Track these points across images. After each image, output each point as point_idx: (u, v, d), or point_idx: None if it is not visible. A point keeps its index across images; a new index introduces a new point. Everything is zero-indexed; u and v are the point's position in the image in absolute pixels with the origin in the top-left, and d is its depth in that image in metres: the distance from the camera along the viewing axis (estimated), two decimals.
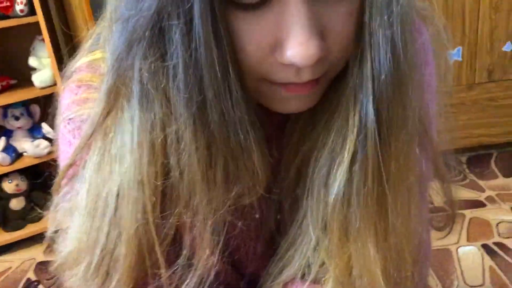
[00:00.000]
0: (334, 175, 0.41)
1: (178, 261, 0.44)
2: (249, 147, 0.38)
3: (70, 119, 0.48)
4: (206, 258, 0.43)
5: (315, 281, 0.44)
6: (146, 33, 0.36)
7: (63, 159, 0.49)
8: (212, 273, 0.44)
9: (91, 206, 0.43)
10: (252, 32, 0.35)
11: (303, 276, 0.44)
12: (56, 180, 0.47)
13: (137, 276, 0.44)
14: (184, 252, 0.43)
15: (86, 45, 0.51)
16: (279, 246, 0.47)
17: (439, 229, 0.58)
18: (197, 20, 0.34)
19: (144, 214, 0.41)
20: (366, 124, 0.38)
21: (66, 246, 0.45)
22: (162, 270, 0.44)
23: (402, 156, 0.40)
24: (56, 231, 0.49)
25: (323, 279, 0.44)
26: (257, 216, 0.46)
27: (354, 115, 0.39)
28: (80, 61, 0.50)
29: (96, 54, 0.49)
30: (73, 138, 0.48)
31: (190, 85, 0.36)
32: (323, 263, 0.44)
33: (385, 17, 0.35)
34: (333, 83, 0.41)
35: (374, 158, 0.39)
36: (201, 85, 0.35)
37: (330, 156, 0.41)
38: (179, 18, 0.34)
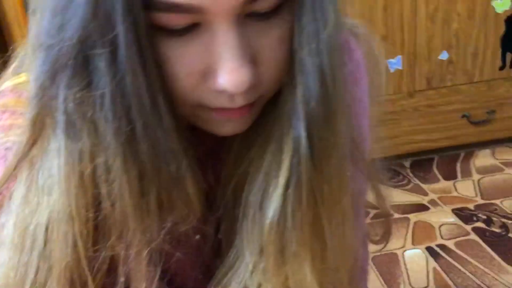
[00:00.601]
0: (269, 199, 0.41)
1: None
2: (182, 176, 0.38)
3: None
4: None
5: None
6: (70, 62, 0.35)
7: None
8: None
9: (19, 240, 0.41)
10: (181, 59, 0.35)
11: None
12: None
13: None
14: (119, 284, 0.42)
15: (10, 68, 0.49)
16: (217, 271, 0.46)
17: (376, 242, 0.60)
18: (122, 49, 0.33)
19: (75, 247, 0.40)
20: (299, 149, 0.39)
21: None
22: None
23: (334, 179, 0.41)
24: None
25: None
26: (194, 243, 0.46)
27: (287, 139, 0.39)
28: (4, 85, 0.48)
29: (21, 77, 0.47)
30: None
31: (118, 115, 0.35)
32: (260, 286, 0.44)
33: (313, 45, 0.36)
34: (267, 106, 0.41)
35: (307, 182, 0.40)
36: (129, 115, 0.35)
37: (265, 179, 0.41)
38: (104, 47, 0.33)
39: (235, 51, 0.34)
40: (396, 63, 1.87)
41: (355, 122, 0.48)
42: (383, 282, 1.44)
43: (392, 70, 1.86)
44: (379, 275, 1.46)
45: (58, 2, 0.34)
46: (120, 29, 0.32)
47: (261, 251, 0.42)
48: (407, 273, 1.47)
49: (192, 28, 0.34)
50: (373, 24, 1.76)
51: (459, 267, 1.47)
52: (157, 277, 0.42)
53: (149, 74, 0.34)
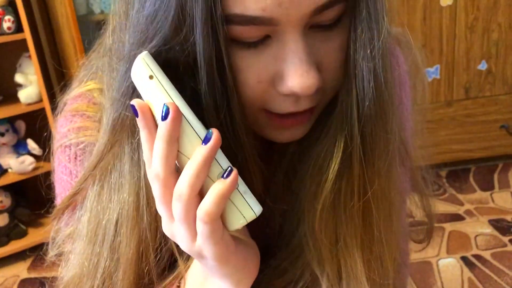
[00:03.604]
0: (322, 190, 0.44)
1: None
2: (249, 166, 0.41)
3: (66, 146, 0.50)
4: None
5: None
6: None
7: (61, 185, 0.52)
8: None
9: (92, 233, 0.46)
10: (253, 68, 0.38)
11: (295, 284, 0.47)
12: (59, 207, 0.49)
13: None
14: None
15: (80, 75, 0.53)
16: (270, 259, 0.49)
17: (418, 241, 0.62)
18: (201, 59, 0.36)
19: (144, 240, 0.44)
20: (351, 146, 0.42)
21: (69, 271, 0.48)
22: (155, 285, 0.46)
23: (384, 174, 0.44)
24: (57, 255, 0.52)
25: (313, 287, 0.46)
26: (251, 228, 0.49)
27: (341, 136, 0.42)
28: (74, 91, 0.52)
29: (90, 85, 0.51)
30: (68, 163, 0.50)
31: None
32: (313, 273, 0.46)
33: (368, 51, 0.39)
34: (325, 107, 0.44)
35: (359, 176, 0.43)
36: (204, 118, 0.38)
37: (318, 173, 0.44)
38: (185, 57, 0.37)
39: (303, 57, 0.37)
40: (434, 72, 1.87)
41: (402, 125, 0.51)
42: None
43: (430, 79, 1.86)
44: (413, 283, 1.46)
45: (141, 19, 0.37)
46: (200, 41, 0.35)
47: (315, 241, 0.45)
48: (441, 281, 1.47)
49: (263, 40, 0.37)
50: (411, 33, 1.77)
51: (495, 278, 1.45)
52: None
53: (225, 81, 0.37)
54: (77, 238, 0.48)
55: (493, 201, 1.82)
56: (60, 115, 0.52)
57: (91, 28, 1.80)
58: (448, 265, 1.52)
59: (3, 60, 1.89)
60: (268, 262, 0.48)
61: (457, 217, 1.75)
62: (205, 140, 0.36)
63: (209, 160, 0.36)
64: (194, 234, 0.38)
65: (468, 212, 1.77)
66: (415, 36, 1.77)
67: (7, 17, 1.66)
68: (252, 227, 0.44)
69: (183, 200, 0.36)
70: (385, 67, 0.40)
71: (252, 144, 0.41)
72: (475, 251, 1.58)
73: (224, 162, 0.37)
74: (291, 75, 0.37)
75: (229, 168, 0.36)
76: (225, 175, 0.36)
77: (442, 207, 1.80)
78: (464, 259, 1.55)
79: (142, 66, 0.36)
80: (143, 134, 0.37)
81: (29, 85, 1.79)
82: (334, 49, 0.40)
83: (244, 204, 0.37)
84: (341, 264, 0.45)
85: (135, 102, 0.36)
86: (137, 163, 0.43)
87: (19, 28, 1.68)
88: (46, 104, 1.77)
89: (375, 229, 0.45)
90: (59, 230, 0.51)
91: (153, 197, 0.40)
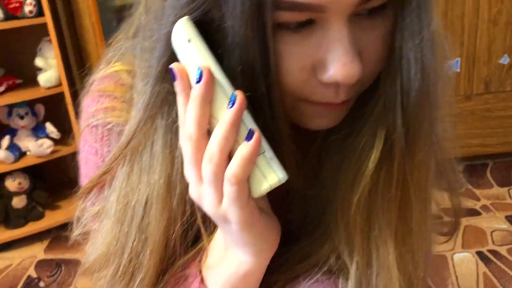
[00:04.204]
0: (360, 179, 0.43)
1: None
2: (285, 150, 0.41)
3: (94, 126, 0.51)
4: None
5: (331, 272, 0.47)
6: None
7: (87, 165, 0.52)
8: None
9: (120, 214, 0.46)
10: (296, 54, 0.38)
11: (319, 269, 0.47)
12: (86, 186, 0.50)
13: (158, 273, 0.47)
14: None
15: (107, 56, 0.53)
16: (293, 244, 0.49)
17: (443, 234, 0.61)
18: (246, 43, 0.36)
19: (172, 221, 0.45)
20: (394, 137, 0.41)
21: (96, 249, 0.48)
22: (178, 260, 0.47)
23: (423, 166, 0.44)
24: (81, 234, 0.52)
25: (340, 272, 0.46)
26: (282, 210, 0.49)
27: (382, 126, 0.42)
28: (102, 72, 0.52)
29: (117, 66, 0.52)
30: (95, 143, 0.51)
31: None
32: (339, 259, 0.46)
33: (417, 41, 0.38)
34: (361, 97, 0.44)
35: (399, 167, 0.42)
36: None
37: (357, 161, 0.44)
38: (227, 40, 0.37)
39: (348, 46, 0.36)
40: (454, 65, 1.85)
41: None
42: (431, 283, 1.44)
43: (451, 72, 1.84)
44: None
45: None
46: (243, 24, 0.35)
47: (347, 228, 0.45)
48: (456, 275, 1.46)
49: (307, 25, 0.37)
50: None
51: (511, 273, 1.44)
52: None
53: (268, 67, 0.37)
54: (104, 217, 0.48)
55: (510, 197, 1.80)
56: (87, 95, 0.53)
57: (111, 13, 1.81)
58: (464, 260, 1.52)
59: (24, 44, 1.91)
60: (291, 247, 0.49)
61: (473, 212, 1.73)
62: (231, 103, 0.36)
63: (236, 123, 0.36)
64: (220, 196, 0.38)
65: (485, 208, 1.76)
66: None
67: (29, 1, 1.67)
68: (275, 212, 0.45)
69: (213, 162, 0.37)
70: (434, 58, 0.39)
71: (287, 130, 0.41)
72: (491, 246, 1.57)
73: (252, 126, 0.37)
74: (335, 64, 0.37)
75: (252, 130, 0.37)
76: (248, 138, 0.36)
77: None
78: (479, 254, 1.54)
79: (182, 30, 0.37)
80: (179, 98, 0.38)
81: (49, 69, 1.80)
82: (378, 38, 0.39)
83: (269, 170, 0.38)
84: (372, 253, 0.45)
85: (173, 65, 0.37)
86: (170, 141, 0.43)
87: (40, 12, 1.69)
88: (65, 88, 1.78)
89: (410, 221, 0.45)
90: (85, 210, 0.52)
91: (185, 183, 0.41)
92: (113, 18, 1.83)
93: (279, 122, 0.39)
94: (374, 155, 0.42)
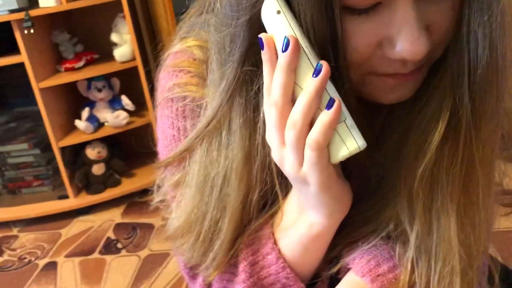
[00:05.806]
0: (425, 151, 0.44)
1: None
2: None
3: (171, 99, 0.54)
4: None
5: (389, 238, 0.48)
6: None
7: (163, 135, 0.55)
8: None
9: (200, 184, 0.50)
10: (362, 33, 0.39)
11: (378, 234, 0.48)
12: (167, 161, 0.53)
13: (235, 238, 0.51)
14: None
15: (180, 31, 0.56)
16: (357, 207, 0.50)
17: (505, 205, 0.60)
18: (315, 25, 0.38)
19: (250, 191, 0.48)
20: (460, 110, 0.42)
21: (180, 216, 0.52)
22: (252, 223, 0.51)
23: (489, 141, 0.44)
24: (161, 200, 0.56)
25: (397, 239, 0.48)
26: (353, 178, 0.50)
27: (449, 101, 0.42)
28: (176, 47, 0.55)
29: (189, 42, 0.54)
30: (171, 115, 0.54)
31: None
32: (399, 226, 0.47)
33: (485, 17, 0.38)
34: (429, 70, 0.44)
35: (465, 141, 0.43)
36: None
37: (423, 134, 0.44)
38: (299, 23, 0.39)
39: (414, 24, 0.37)
40: None
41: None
42: (500, 258, 1.41)
43: None
44: (495, 251, 1.43)
45: None
46: (314, 8, 0.37)
47: (410, 198, 0.46)
48: None
49: (374, 7, 0.38)
50: None
51: None
52: None
53: (336, 46, 0.39)
54: (185, 187, 0.51)
55: None
56: (163, 69, 0.56)
57: None
58: None
59: (100, 20, 2.02)
60: (350, 212, 0.50)
61: None
62: (316, 72, 0.38)
63: (319, 92, 0.39)
64: (301, 160, 0.41)
65: None
66: None
67: None
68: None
69: (296, 128, 0.40)
70: (503, 35, 0.39)
71: (354, 104, 0.42)
72: None
73: (334, 95, 0.39)
74: (402, 41, 0.38)
75: (332, 99, 0.39)
76: (328, 106, 0.39)
77: None
78: None
79: (273, 1, 0.39)
80: (265, 66, 0.41)
81: (124, 44, 1.90)
82: (445, 11, 0.39)
83: (349, 137, 0.40)
84: (433, 223, 0.46)
85: (262, 35, 0.40)
86: (249, 118, 0.45)
87: None
88: (139, 62, 1.87)
89: (474, 194, 0.45)
90: (165, 179, 0.55)
91: (263, 156, 0.44)
92: None
93: (346, 96, 0.41)
94: (440, 129, 0.43)
